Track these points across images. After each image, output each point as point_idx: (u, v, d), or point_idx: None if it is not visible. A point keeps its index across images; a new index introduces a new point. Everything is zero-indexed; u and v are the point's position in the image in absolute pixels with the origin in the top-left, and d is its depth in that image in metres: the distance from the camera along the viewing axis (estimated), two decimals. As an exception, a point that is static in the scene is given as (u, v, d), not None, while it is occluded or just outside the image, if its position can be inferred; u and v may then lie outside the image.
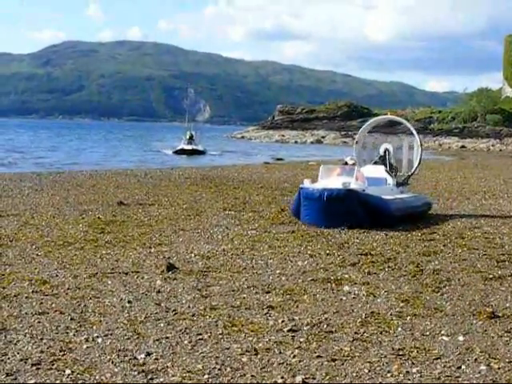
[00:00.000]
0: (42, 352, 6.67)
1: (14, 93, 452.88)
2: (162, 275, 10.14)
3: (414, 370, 6.40)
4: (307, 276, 10.34)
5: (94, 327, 7.53)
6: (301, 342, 7.16)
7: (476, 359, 6.76)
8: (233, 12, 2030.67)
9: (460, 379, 6.26)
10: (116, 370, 6.27)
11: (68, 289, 9.21)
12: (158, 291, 9.22)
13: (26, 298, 8.69)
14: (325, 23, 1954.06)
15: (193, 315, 8.08)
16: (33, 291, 9.02)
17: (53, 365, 6.34)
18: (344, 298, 9.08)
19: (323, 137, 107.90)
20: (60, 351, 6.71)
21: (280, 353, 6.82)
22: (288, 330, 7.55)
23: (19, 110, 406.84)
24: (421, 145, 19.05)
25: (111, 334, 7.28)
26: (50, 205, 18.21)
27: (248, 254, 12.00)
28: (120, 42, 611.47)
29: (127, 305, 8.48)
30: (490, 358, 6.80)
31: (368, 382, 6.15)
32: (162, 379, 6.09)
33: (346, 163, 17.59)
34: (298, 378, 6.13)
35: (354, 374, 6.29)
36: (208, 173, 33.04)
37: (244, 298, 8.99)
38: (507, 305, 8.95)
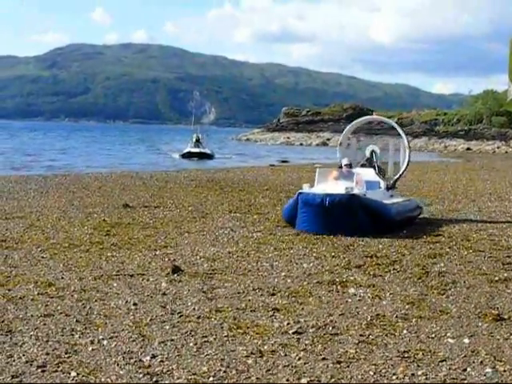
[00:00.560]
0: (47, 354, 6.68)
1: (19, 95, 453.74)
2: (167, 277, 10.15)
3: (420, 373, 6.39)
4: (312, 278, 10.34)
5: (100, 329, 7.54)
6: (306, 345, 7.16)
7: (482, 362, 6.74)
8: (238, 14, 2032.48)
9: (466, 382, 6.24)
10: (121, 372, 6.28)
11: (73, 291, 9.22)
12: (164, 293, 9.22)
13: (32, 300, 8.71)
14: (330, 25, 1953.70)
15: (198, 317, 8.09)
16: (38, 293, 9.04)
17: (58, 367, 6.35)
18: (349, 301, 9.07)
19: (328, 139, 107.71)
20: (65, 353, 6.72)
21: (285, 355, 6.82)
22: (293, 333, 7.55)
23: (25, 113, 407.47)
24: (409, 146, 18.22)
25: (117, 337, 7.29)
26: (56, 207, 18.24)
27: (253, 257, 12.00)
28: (125, 45, 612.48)
29: (132, 307, 8.49)
30: (495, 360, 6.78)
31: (373, 384, 6.15)
32: (167, 381, 6.09)
33: (341, 166, 16.73)
34: (304, 381, 6.13)
35: (360, 377, 6.28)
36: (213, 175, 33.06)
37: (249, 300, 8.99)
38: (513, 307, 8.93)
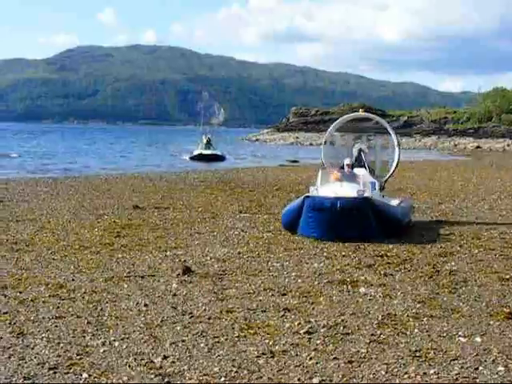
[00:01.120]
0: (59, 356, 6.70)
1: (29, 98, 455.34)
2: (177, 278, 10.15)
3: (432, 372, 6.38)
4: (323, 278, 10.33)
5: (111, 331, 7.55)
6: (317, 344, 7.15)
7: (493, 360, 6.72)
8: (246, 14, 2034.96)
9: (477, 380, 6.23)
10: (133, 373, 6.29)
11: (84, 293, 9.24)
12: (174, 294, 9.23)
13: (43, 302, 8.72)
14: (337, 24, 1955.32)
15: (209, 318, 8.09)
16: (49, 295, 9.05)
17: (70, 369, 6.36)
18: (360, 300, 9.06)
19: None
20: (77, 355, 6.74)
21: (296, 355, 6.82)
22: (304, 332, 7.55)
23: (34, 115, 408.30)
24: (398, 144, 17.40)
25: (128, 338, 7.30)
26: (66, 209, 18.27)
27: (264, 257, 11.99)
28: (134, 46, 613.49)
29: (143, 308, 8.50)
30: (507, 358, 6.76)
31: (385, 383, 6.14)
32: (178, 382, 6.10)
33: (342, 167, 15.87)
34: (315, 380, 6.13)
35: (371, 376, 6.27)
36: (223, 176, 33.05)
37: (260, 300, 8.98)
38: (524, 305, 8.91)
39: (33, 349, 6.91)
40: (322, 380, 6.15)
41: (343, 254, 12.30)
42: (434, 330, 7.73)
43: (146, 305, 8.65)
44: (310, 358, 6.71)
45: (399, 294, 9.42)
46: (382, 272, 10.81)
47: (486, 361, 6.71)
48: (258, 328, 7.69)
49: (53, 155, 58.59)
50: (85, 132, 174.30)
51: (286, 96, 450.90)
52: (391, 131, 17.52)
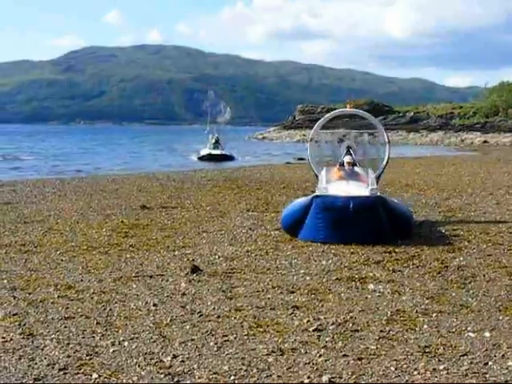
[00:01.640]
0: (68, 357, 6.71)
1: (35, 99, 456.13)
2: (186, 277, 10.16)
3: (441, 367, 6.37)
4: (332, 275, 10.32)
5: (120, 331, 7.56)
6: (327, 342, 7.15)
7: (503, 355, 6.71)
8: (251, 12, 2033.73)
9: (487, 375, 6.22)
10: (143, 373, 6.30)
11: (93, 293, 9.26)
12: (183, 294, 9.24)
13: (52, 303, 8.74)
14: (343, 21, 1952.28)
15: (218, 317, 8.10)
16: (58, 296, 9.07)
17: (80, 369, 6.38)
18: (369, 297, 9.06)
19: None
20: (87, 355, 6.75)
21: (306, 353, 6.82)
22: (313, 330, 7.54)
23: (41, 117, 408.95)
24: (388, 141, 16.48)
25: (137, 338, 7.31)
26: (74, 210, 18.30)
27: (272, 255, 11.99)
28: (139, 46, 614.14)
29: (152, 308, 8.51)
30: (517, 353, 6.76)
31: (395, 380, 6.14)
32: (188, 381, 6.11)
33: (343, 164, 15.30)
34: (325, 378, 6.13)
35: (381, 373, 6.27)
36: (230, 174, 33.05)
37: (269, 298, 8.99)
38: (534, 300, 8.89)
39: (42, 350, 6.93)
40: (332, 377, 6.15)
41: (351, 250, 12.28)
42: (443, 325, 7.73)
43: (154, 304, 8.66)
44: (320, 356, 6.72)
45: (408, 290, 9.41)
46: (390, 268, 10.80)
47: (495, 356, 6.70)
48: (267, 326, 7.70)
49: (65, 156, 58.71)
50: (92, 133, 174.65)
51: (292, 94, 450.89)
52: (381, 128, 16.88)
